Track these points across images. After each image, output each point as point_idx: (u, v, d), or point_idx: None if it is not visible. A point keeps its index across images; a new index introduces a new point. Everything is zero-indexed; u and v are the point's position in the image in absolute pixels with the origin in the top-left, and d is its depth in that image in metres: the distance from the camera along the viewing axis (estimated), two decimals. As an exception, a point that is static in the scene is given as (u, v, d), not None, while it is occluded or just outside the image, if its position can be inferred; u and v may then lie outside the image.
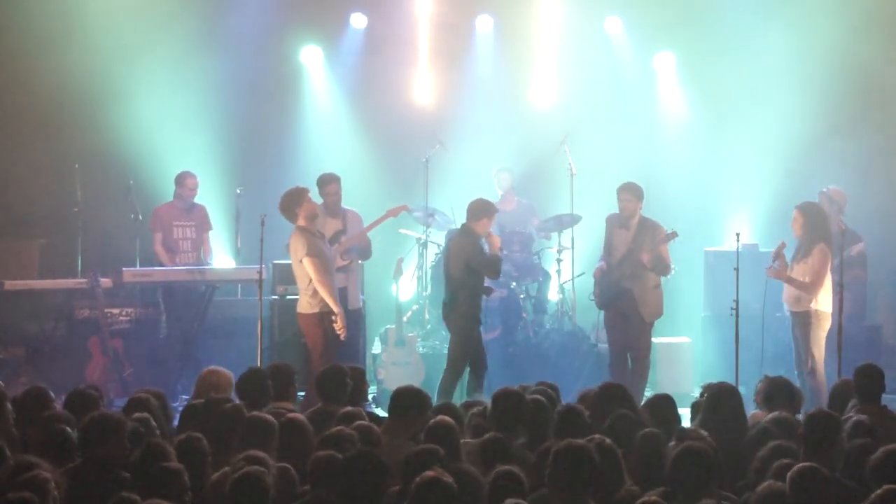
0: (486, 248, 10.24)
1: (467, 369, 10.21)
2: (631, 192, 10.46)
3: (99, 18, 12.88)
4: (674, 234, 10.34)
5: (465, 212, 10.27)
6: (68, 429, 6.18)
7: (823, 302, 9.95)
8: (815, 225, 10.04)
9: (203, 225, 12.09)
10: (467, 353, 10.12)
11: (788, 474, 5.41)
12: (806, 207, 10.17)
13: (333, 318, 9.84)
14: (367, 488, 5.39)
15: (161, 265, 11.79)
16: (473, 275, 10.09)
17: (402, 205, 11.75)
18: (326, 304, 9.84)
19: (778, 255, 10.02)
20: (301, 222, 9.91)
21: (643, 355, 10.49)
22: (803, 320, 9.95)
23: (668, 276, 10.61)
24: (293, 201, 9.92)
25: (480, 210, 10.13)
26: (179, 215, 11.95)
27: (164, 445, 5.78)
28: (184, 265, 11.77)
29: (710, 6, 13.53)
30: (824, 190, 11.45)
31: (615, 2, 13.88)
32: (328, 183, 11.05)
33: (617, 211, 10.59)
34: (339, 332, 9.79)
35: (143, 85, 13.08)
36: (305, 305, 9.93)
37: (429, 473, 5.20)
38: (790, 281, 9.96)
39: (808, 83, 13.15)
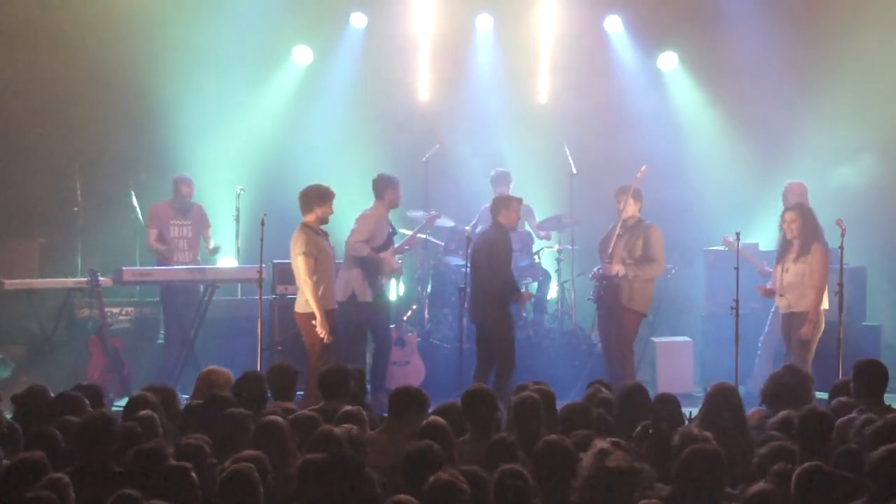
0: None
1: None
2: (627, 191, 10.45)
3: (99, 20, 12.88)
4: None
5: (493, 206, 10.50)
6: (56, 430, 6.18)
7: (824, 302, 9.99)
8: (812, 225, 10.04)
9: (201, 223, 12.08)
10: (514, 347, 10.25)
11: (795, 474, 5.40)
12: (800, 209, 10.18)
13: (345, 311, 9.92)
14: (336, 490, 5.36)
15: (157, 258, 11.79)
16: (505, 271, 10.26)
17: (436, 214, 11.85)
18: (326, 303, 9.84)
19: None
20: (310, 218, 9.92)
21: (620, 356, 10.36)
22: (802, 320, 9.94)
23: (662, 274, 10.64)
24: (318, 197, 9.94)
25: (501, 203, 10.42)
26: (176, 215, 11.94)
27: (161, 445, 5.76)
28: (181, 264, 11.77)
29: (709, 4, 13.54)
30: (786, 184, 11.36)
31: (615, 1, 13.89)
32: (398, 182, 10.93)
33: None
34: (321, 335, 9.77)
35: (143, 85, 13.07)
36: (303, 304, 9.92)
37: (443, 476, 5.19)
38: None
39: (809, 81, 13.16)
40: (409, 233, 12.42)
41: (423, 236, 12.40)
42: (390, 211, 10.94)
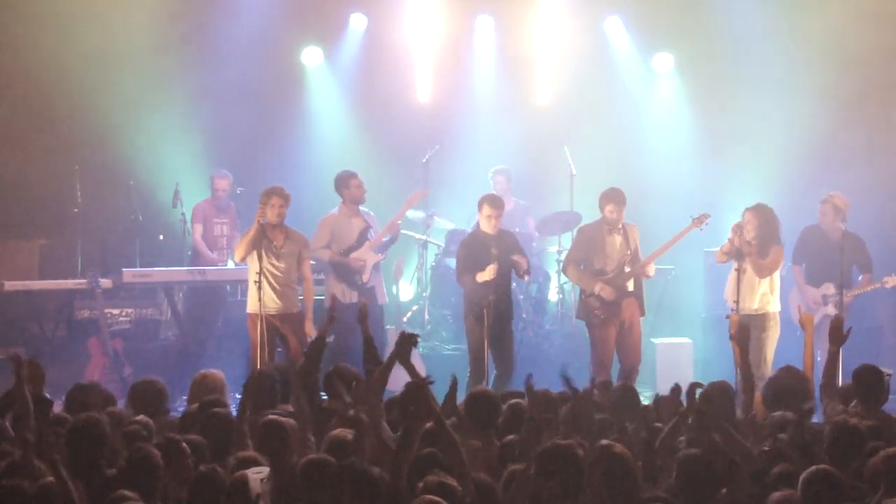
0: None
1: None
2: (619, 199, 10.16)
3: (101, 19, 12.89)
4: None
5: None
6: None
7: (778, 304, 9.98)
8: (770, 226, 9.96)
9: (234, 223, 12.07)
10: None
11: (801, 476, 5.37)
12: (759, 209, 10.04)
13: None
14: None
15: (201, 256, 11.79)
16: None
17: (421, 190, 11.70)
18: (256, 306, 9.82)
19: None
20: None
21: (638, 360, 10.31)
22: (764, 323, 9.86)
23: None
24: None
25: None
26: (216, 213, 11.94)
27: (148, 448, 5.75)
28: (222, 262, 11.79)
29: (710, 4, 13.54)
30: (827, 197, 11.24)
31: (615, 1, 13.88)
32: (353, 177, 10.83)
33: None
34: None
35: (143, 85, 13.08)
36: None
37: (432, 478, 5.19)
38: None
39: (808, 82, 13.14)
40: (411, 234, 12.31)
41: (424, 237, 12.40)
42: (359, 206, 10.84)
